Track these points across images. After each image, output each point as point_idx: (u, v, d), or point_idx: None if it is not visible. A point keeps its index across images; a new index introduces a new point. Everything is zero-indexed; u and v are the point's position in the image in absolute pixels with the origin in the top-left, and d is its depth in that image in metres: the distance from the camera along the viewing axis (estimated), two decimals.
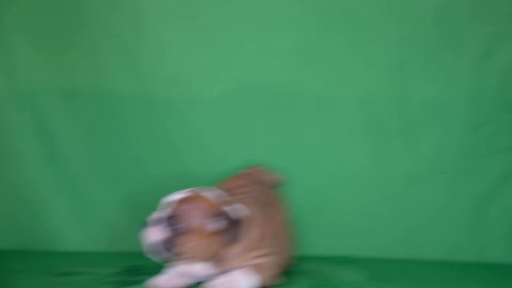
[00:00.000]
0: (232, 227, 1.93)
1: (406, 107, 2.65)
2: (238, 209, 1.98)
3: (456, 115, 2.64)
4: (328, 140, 2.67)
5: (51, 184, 2.68)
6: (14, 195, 2.68)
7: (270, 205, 2.23)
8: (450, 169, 2.64)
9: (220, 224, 1.93)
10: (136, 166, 2.69)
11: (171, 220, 1.92)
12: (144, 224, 1.97)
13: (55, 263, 2.38)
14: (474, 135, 2.63)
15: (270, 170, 2.51)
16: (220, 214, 1.93)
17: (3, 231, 2.68)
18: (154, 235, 1.93)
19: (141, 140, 2.69)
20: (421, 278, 2.26)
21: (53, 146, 2.68)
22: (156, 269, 2.11)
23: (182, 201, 1.94)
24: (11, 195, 2.68)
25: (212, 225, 1.93)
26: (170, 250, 1.92)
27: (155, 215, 1.96)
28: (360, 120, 2.66)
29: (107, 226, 2.68)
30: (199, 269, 1.98)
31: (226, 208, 1.96)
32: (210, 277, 1.99)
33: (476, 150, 2.64)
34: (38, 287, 1.99)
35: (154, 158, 2.69)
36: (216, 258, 1.96)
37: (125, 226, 2.67)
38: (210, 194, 2.00)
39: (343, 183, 2.67)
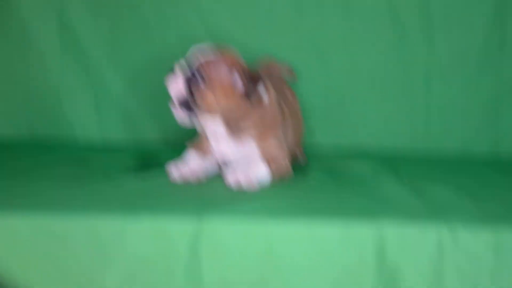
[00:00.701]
0: (253, 90, 1.93)
1: (427, 2, 2.60)
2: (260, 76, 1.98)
3: (482, 11, 2.59)
4: (348, 34, 2.64)
5: (68, 71, 2.67)
6: (31, 82, 2.68)
7: (284, 96, 2.23)
8: (472, 66, 2.63)
9: (243, 83, 1.93)
10: (154, 51, 2.66)
11: (196, 71, 1.92)
12: (170, 71, 1.99)
13: (73, 152, 2.41)
14: (500, 34, 2.60)
15: (281, 63, 2.48)
16: (246, 74, 1.93)
17: (21, 120, 2.69)
18: (176, 85, 1.94)
19: (159, 33, 2.66)
20: (433, 171, 2.28)
21: (70, 31, 2.65)
22: (174, 156, 2.14)
23: (209, 55, 1.94)
24: (29, 83, 2.68)
25: (236, 82, 1.93)
26: (192, 103, 1.93)
27: (180, 64, 1.97)
28: (381, 14, 2.62)
29: (126, 114, 2.69)
30: (213, 126, 1.99)
31: (251, 70, 1.95)
32: (226, 165, 2.03)
33: (501, 49, 2.61)
34: (56, 177, 1.99)
35: (167, 43, 2.66)
36: (232, 121, 1.98)
37: (144, 114, 2.69)
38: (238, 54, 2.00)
39: (362, 78, 2.66)
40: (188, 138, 2.32)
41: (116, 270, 1.58)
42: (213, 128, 2.01)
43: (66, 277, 1.58)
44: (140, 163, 2.22)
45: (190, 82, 1.93)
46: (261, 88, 1.96)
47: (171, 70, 1.99)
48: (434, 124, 2.66)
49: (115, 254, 1.58)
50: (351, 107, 2.68)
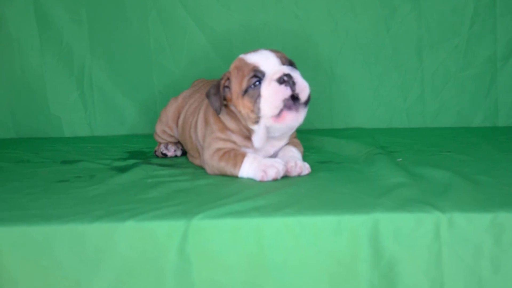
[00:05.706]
0: None
1: None
2: None
3: None
4: (336, 10, 2.58)
5: (54, 70, 2.62)
6: (18, 82, 2.64)
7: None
8: (464, 32, 2.56)
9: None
10: (135, 47, 2.62)
11: None
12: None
13: (61, 150, 2.36)
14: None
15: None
16: None
17: (9, 119, 2.66)
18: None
19: (140, 22, 2.62)
20: (433, 145, 2.23)
21: (54, 31, 2.61)
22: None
23: None
24: (15, 83, 2.64)
25: None
26: None
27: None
28: None
29: (113, 110, 2.65)
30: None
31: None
32: None
33: (492, 9, 2.55)
34: (46, 175, 1.96)
35: (147, 27, 2.62)
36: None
37: (130, 110, 2.64)
38: None
39: (354, 54, 2.60)
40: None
41: (103, 277, 1.52)
42: None
43: (53, 286, 1.53)
44: (126, 162, 2.15)
45: None
46: None
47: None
48: (429, 98, 2.60)
49: (101, 260, 1.52)
50: (341, 85, 2.62)
